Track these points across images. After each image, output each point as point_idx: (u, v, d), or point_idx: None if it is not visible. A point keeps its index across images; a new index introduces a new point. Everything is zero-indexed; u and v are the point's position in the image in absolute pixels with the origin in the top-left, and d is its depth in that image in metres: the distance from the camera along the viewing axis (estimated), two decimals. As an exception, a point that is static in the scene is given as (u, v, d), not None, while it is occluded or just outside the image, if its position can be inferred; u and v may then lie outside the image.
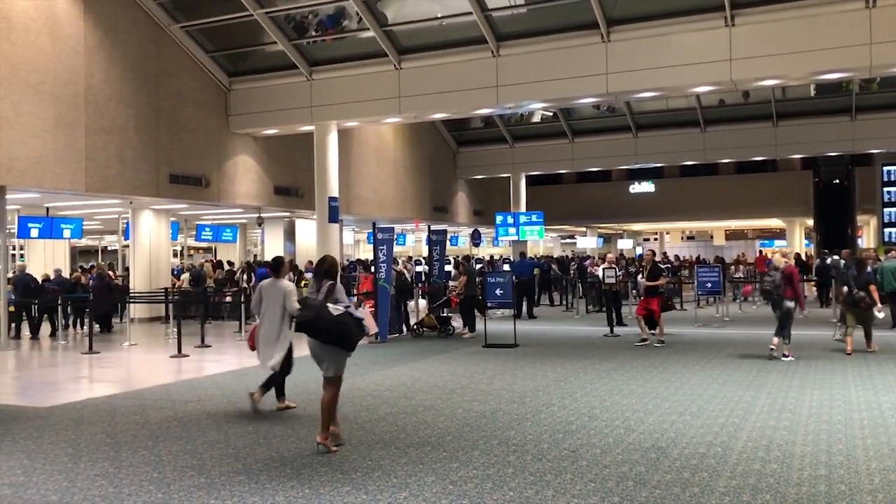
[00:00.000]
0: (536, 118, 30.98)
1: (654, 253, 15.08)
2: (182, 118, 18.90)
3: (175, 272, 24.51)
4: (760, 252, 39.78)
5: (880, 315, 12.48)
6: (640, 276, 14.86)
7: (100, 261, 33.23)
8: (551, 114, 29.93)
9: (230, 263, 24.87)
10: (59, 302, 16.74)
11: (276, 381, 8.53)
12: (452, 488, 5.46)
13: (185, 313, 19.76)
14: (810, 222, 40.28)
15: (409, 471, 5.92)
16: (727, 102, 27.43)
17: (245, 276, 21.41)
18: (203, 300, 18.87)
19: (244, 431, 7.38)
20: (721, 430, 7.11)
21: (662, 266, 16.48)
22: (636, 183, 37.98)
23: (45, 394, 9.94)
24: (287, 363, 8.39)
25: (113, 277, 20.85)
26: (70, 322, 18.81)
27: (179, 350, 13.42)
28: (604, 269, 16.27)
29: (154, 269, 21.21)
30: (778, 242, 49.50)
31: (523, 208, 29.90)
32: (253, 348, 8.41)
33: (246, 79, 20.00)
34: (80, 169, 16.27)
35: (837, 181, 36.89)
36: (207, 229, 25.15)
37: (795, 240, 39.70)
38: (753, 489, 5.33)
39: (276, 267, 8.12)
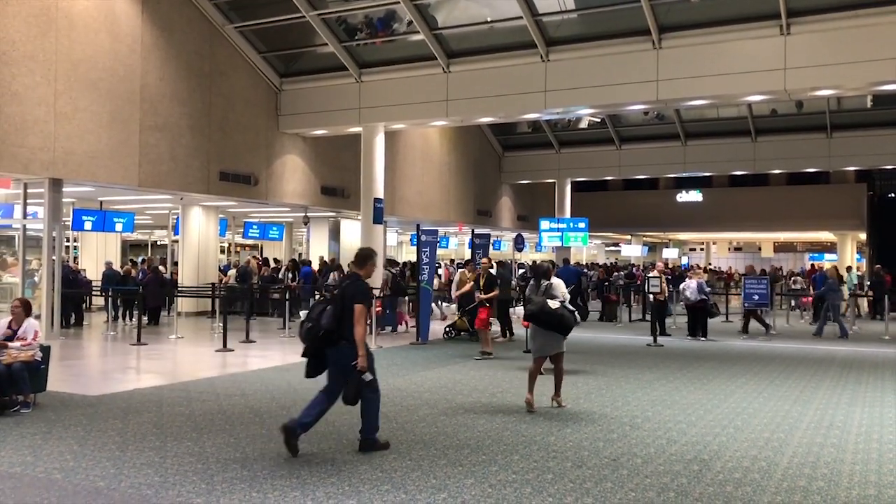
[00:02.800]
0: (584, 124, 30.77)
1: (490, 261, 14.69)
2: (233, 117, 19.22)
3: (222, 268, 24.93)
4: (813, 266, 38.95)
5: None
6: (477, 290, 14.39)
7: (150, 255, 33.97)
8: (598, 120, 29.71)
9: (276, 261, 25.16)
10: (106, 294, 17.10)
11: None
12: (491, 491, 5.46)
13: (231, 309, 20.14)
14: (863, 236, 39.35)
15: (449, 472, 5.94)
16: (779, 112, 26.93)
17: (290, 275, 21.68)
18: (249, 296, 19.16)
19: (286, 427, 7.47)
20: (766, 444, 6.98)
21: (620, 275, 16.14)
22: (683, 192, 37.49)
23: (95, 383, 10.20)
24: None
25: (163, 272, 21.32)
26: (120, 314, 19.29)
27: (225, 344, 13.65)
28: (650, 278, 16.08)
29: (202, 264, 21.59)
30: (828, 256, 48.48)
31: (568, 214, 29.71)
32: None
33: (296, 79, 20.24)
34: (134, 164, 16.64)
35: (893, 195, 36.00)
36: (255, 227, 25.51)
37: (847, 254, 38.75)
38: (799, 506, 5.23)
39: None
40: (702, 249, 55.39)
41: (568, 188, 30.53)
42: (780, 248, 49.17)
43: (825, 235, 43.08)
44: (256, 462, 6.19)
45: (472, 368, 11.67)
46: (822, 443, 7.07)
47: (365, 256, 6.71)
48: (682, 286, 16.89)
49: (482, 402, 8.90)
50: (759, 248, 52.20)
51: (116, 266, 21.42)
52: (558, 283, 8.58)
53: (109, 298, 18.79)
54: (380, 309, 16.58)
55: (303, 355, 6.66)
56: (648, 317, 18.41)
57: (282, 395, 9.21)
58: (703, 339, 16.43)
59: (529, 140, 31.05)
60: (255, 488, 5.50)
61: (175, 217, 22.36)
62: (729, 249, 54.58)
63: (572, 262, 25.76)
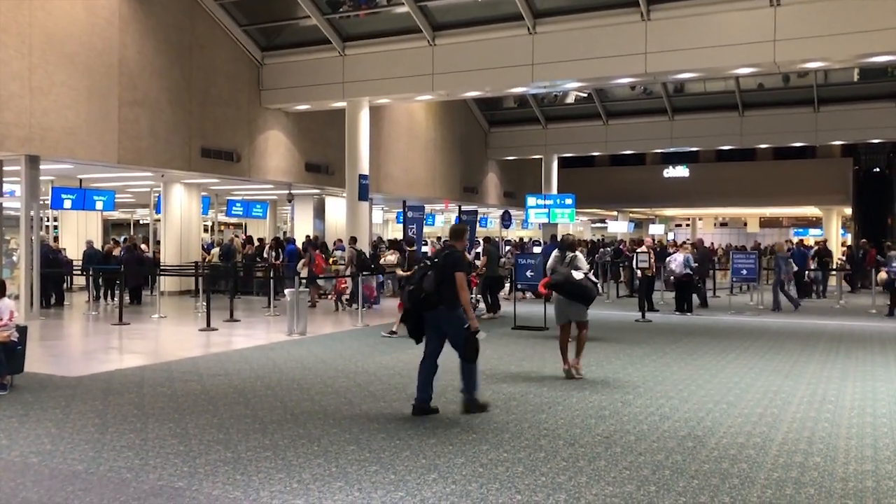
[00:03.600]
0: (570, 99, 30.54)
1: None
2: (214, 92, 18.85)
3: (206, 247, 24.63)
4: (801, 241, 38.89)
5: None
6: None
7: (132, 234, 33.55)
8: (585, 95, 29.48)
9: (260, 239, 24.88)
10: (87, 273, 16.82)
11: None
12: (483, 471, 5.32)
13: (215, 288, 19.88)
14: (848, 211, 39.46)
15: (439, 451, 5.79)
16: (767, 86, 26.83)
17: (274, 253, 21.42)
18: (232, 275, 18.90)
19: (271, 407, 7.30)
20: (759, 420, 6.88)
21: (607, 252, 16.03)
22: (670, 167, 37.39)
23: (75, 364, 9.98)
24: None
25: (144, 250, 21.00)
26: (101, 293, 18.99)
27: (208, 324, 13.43)
28: (638, 253, 15.96)
29: (185, 243, 21.28)
30: (812, 231, 48.60)
31: (555, 190, 29.57)
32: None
33: (278, 53, 19.88)
34: (113, 140, 16.28)
35: (878, 169, 36.03)
36: (238, 205, 25.15)
37: (832, 229, 38.87)
38: (796, 482, 5.12)
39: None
40: (687, 225, 55.44)
41: (555, 164, 30.34)
42: (765, 223, 49.30)
43: (811, 211, 43.16)
44: (240, 443, 6.01)
45: (460, 345, 11.52)
46: (815, 417, 6.98)
47: (460, 231, 7.45)
48: (667, 260, 16.80)
49: (471, 379, 8.75)
50: (745, 224, 52.31)
51: (98, 245, 21.09)
52: (581, 257, 9.00)
53: (90, 278, 18.48)
54: (345, 286, 16.77)
55: (402, 319, 7.65)
56: (636, 293, 18.35)
57: (266, 374, 9.03)
58: (689, 313, 16.39)
59: (516, 115, 30.79)
60: (239, 471, 5.32)
61: (157, 195, 22.00)
62: (715, 225, 54.68)
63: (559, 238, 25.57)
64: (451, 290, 6.81)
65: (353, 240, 18.25)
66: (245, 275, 20.83)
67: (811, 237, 43.56)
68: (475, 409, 6.98)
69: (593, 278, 8.93)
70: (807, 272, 21.01)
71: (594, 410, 7.21)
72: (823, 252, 24.00)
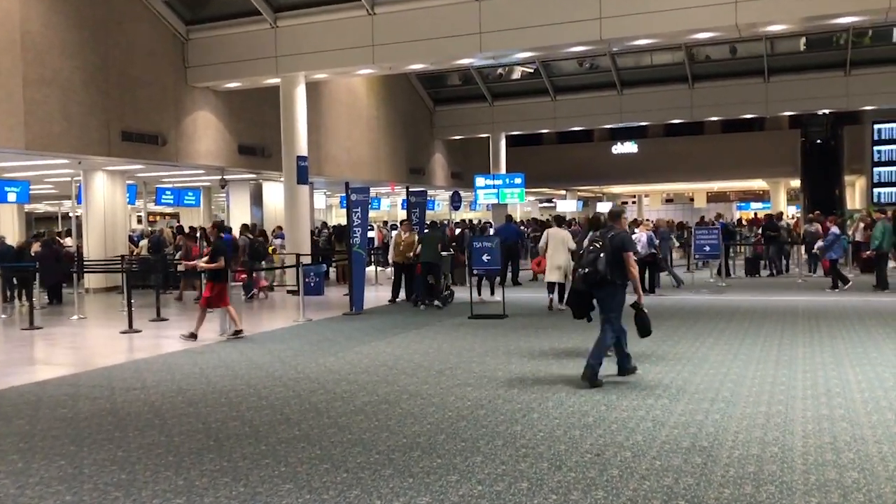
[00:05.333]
0: (517, 75, 29.52)
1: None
2: (135, 71, 17.24)
3: (134, 239, 22.94)
4: (755, 214, 38.67)
5: None
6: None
7: (59, 227, 31.47)
8: (532, 70, 28.51)
9: (192, 229, 23.28)
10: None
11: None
12: (453, 514, 4.21)
13: (145, 283, 18.34)
14: (794, 183, 39.47)
15: (396, 487, 4.65)
16: (716, 58, 26.20)
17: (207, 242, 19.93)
18: (162, 268, 17.41)
19: (191, 430, 6.06)
20: (767, 421, 5.92)
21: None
22: (619, 143, 36.78)
23: (-35, 380, 8.53)
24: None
25: (65, 245, 19.31)
26: (16, 293, 17.30)
27: (130, 325, 12.03)
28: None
29: (109, 235, 19.63)
30: (754, 205, 48.73)
31: (503, 170, 28.58)
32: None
33: (205, 27, 18.34)
34: (18, 124, 14.63)
35: (821, 140, 35.97)
36: (168, 193, 23.54)
37: (780, 202, 38.85)
38: (841, 510, 4.14)
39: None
40: (634, 203, 55.22)
41: (503, 143, 29.34)
42: (712, 198, 49.31)
43: (758, 184, 43.17)
44: (146, 487, 4.78)
45: (414, 340, 10.40)
46: (829, 416, 6.05)
47: (618, 213, 7.75)
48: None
49: (430, 381, 7.64)
50: (692, 199, 52.28)
51: (11, 241, 19.28)
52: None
53: (1, 278, 16.75)
54: (244, 276, 15.96)
55: (567, 302, 8.07)
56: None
57: (190, 385, 7.76)
58: (651, 293, 15.58)
59: (461, 93, 29.63)
60: (139, 529, 4.11)
61: (78, 184, 20.26)
62: (662, 202, 54.56)
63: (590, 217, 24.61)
64: (620, 269, 7.20)
65: (245, 227, 17.20)
66: (176, 267, 19.26)
67: (753, 211, 43.62)
68: (593, 382, 7.20)
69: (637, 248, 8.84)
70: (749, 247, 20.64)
71: (576, 417, 6.17)
72: (768, 226, 23.20)
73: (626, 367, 7.64)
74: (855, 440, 5.39)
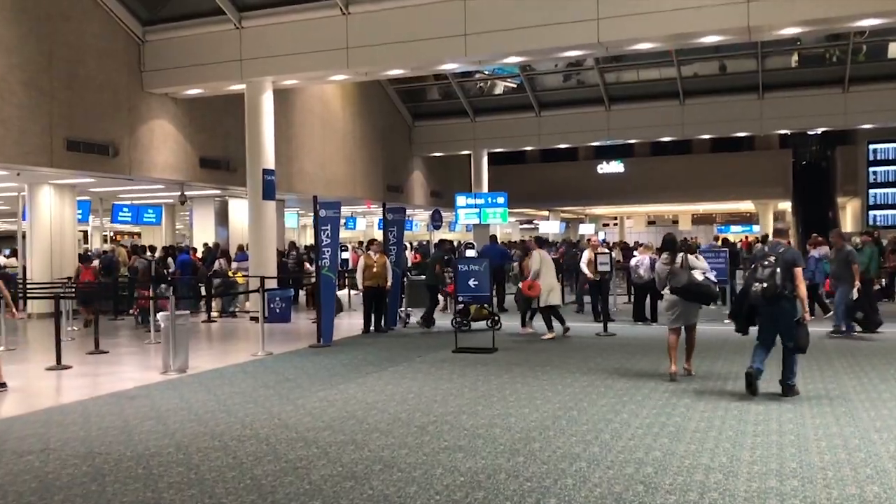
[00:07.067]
0: (499, 89, 28.20)
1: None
2: (84, 72, 15.57)
3: (88, 258, 21.09)
4: (746, 237, 37.52)
5: None
6: None
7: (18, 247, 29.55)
8: (515, 85, 27.20)
9: (152, 249, 21.53)
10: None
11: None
12: None
13: (97, 308, 16.55)
14: (782, 205, 38.45)
15: None
16: (707, 73, 25.05)
17: (163, 264, 18.24)
18: (113, 293, 15.68)
19: (83, 524, 4.41)
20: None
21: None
22: (604, 162, 35.55)
23: None
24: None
25: (4, 266, 17.52)
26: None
27: (59, 360, 10.29)
28: (599, 254, 13.55)
29: (57, 255, 17.81)
30: (734, 228, 47.51)
31: (485, 189, 27.13)
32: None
33: (163, 27, 16.71)
34: (-58, 129, 12.91)
35: (813, 161, 35.02)
36: (126, 209, 21.80)
37: (769, 224, 37.75)
38: None
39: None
40: (615, 224, 54.08)
41: (484, 160, 27.89)
42: (698, 220, 48.19)
43: (745, 206, 42.14)
44: None
45: (390, 381, 8.77)
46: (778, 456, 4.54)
47: (785, 230, 8.37)
48: (633, 263, 14.45)
49: (409, 443, 6.02)
50: (675, 222, 51.19)
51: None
52: (692, 257, 8.76)
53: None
54: (144, 302, 14.75)
55: (731, 315, 9.27)
56: (585, 299, 16.02)
57: (104, 448, 6.07)
58: (654, 323, 14.14)
59: (442, 108, 28.21)
60: None
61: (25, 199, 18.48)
62: (645, 224, 53.50)
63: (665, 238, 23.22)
64: (791, 283, 7.46)
65: (144, 249, 15.94)
66: (129, 292, 17.49)
67: (731, 234, 42.23)
68: (791, 394, 7.54)
69: (712, 277, 8.74)
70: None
71: (611, 499, 4.58)
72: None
73: (754, 378, 7.62)
74: None
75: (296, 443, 6.10)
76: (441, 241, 18.92)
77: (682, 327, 8.72)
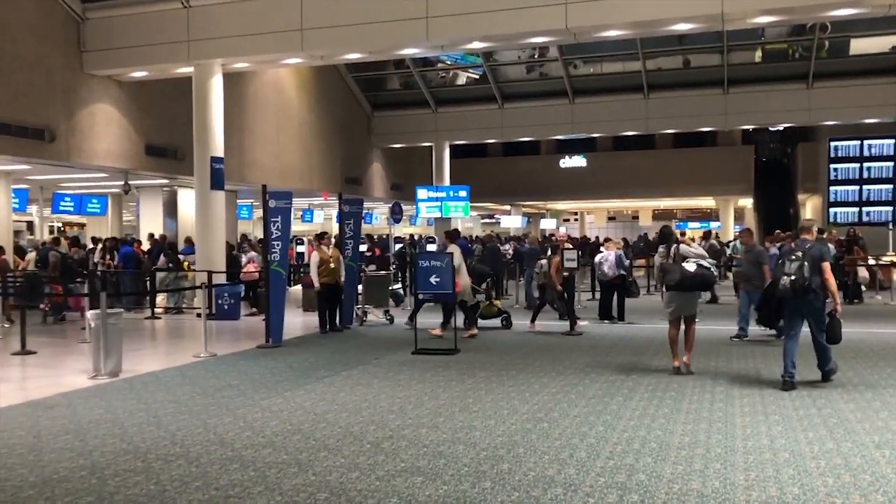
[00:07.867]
0: (462, 80, 27.53)
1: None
2: (13, 50, 14.49)
3: (26, 251, 19.90)
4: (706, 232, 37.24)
5: None
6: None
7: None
8: (477, 76, 26.56)
9: (94, 241, 20.43)
10: None
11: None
12: None
13: (30, 304, 15.48)
14: (743, 202, 38.47)
15: None
16: (671, 67, 24.68)
17: (108, 256, 17.23)
18: (41, 286, 14.63)
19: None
20: None
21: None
22: (567, 157, 35.12)
23: None
24: None
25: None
26: None
27: (-24, 363, 9.34)
28: (565, 251, 12.91)
29: (-11, 246, 16.66)
30: (692, 225, 47.49)
31: (447, 182, 26.42)
32: None
33: (106, 4, 15.70)
34: None
35: (774, 158, 35.07)
36: (67, 199, 20.58)
37: (730, 220, 37.73)
38: None
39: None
40: (576, 220, 53.85)
41: (446, 153, 27.19)
42: (658, 216, 48.04)
43: (706, 202, 42.08)
44: None
45: (343, 388, 8.02)
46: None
47: (809, 226, 8.26)
48: (598, 259, 13.89)
49: (360, 464, 5.30)
50: (636, 217, 51.03)
51: None
52: (685, 246, 8.87)
53: None
54: (60, 296, 14.27)
55: (756, 308, 8.78)
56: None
57: (7, 470, 5.23)
58: (620, 321, 13.60)
59: (402, 98, 27.44)
60: None
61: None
62: (606, 220, 53.35)
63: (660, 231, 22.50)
64: (819, 277, 7.59)
65: (56, 241, 15.16)
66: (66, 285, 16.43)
67: (689, 229, 42.09)
68: (831, 376, 7.92)
69: (706, 263, 8.73)
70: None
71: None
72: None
73: (791, 385, 7.67)
74: None
75: (230, 464, 5.33)
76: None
77: (682, 319, 8.71)
